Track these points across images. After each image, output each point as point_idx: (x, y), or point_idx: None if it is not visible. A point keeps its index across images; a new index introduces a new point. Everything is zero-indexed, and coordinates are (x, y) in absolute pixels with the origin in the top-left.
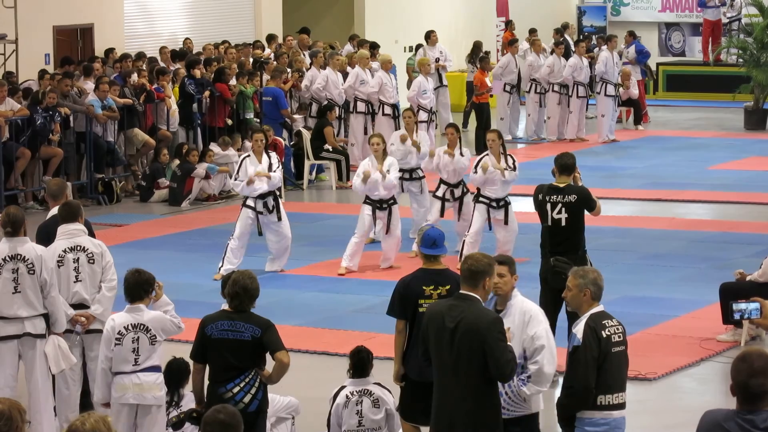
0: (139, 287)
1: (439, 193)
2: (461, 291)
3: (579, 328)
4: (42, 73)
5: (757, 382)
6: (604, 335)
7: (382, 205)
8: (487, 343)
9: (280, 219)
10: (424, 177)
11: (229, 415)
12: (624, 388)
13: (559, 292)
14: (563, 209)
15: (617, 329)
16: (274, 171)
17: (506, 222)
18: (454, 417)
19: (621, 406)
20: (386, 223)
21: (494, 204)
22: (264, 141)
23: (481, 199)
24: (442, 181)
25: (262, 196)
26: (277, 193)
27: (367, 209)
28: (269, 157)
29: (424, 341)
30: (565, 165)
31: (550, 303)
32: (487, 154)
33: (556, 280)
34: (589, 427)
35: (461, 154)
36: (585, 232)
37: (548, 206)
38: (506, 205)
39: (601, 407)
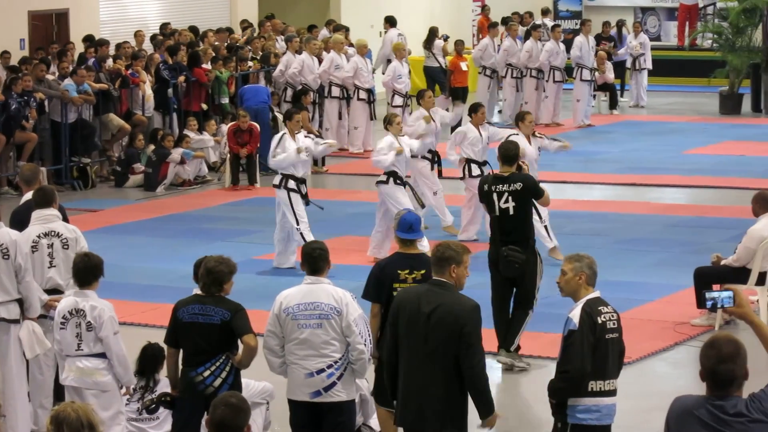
0: (88, 272)
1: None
2: (434, 277)
3: (575, 313)
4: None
5: (726, 368)
6: (600, 321)
7: (403, 181)
8: (464, 333)
9: (308, 204)
10: None
11: (241, 400)
12: (616, 375)
13: (511, 281)
14: (510, 198)
15: (612, 316)
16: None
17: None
18: (423, 403)
19: (612, 392)
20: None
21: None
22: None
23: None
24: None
25: (302, 180)
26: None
27: (400, 191)
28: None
29: (392, 325)
30: (506, 156)
31: (500, 288)
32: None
33: (508, 269)
34: (582, 414)
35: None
36: (533, 222)
37: (494, 196)
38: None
39: (593, 393)
